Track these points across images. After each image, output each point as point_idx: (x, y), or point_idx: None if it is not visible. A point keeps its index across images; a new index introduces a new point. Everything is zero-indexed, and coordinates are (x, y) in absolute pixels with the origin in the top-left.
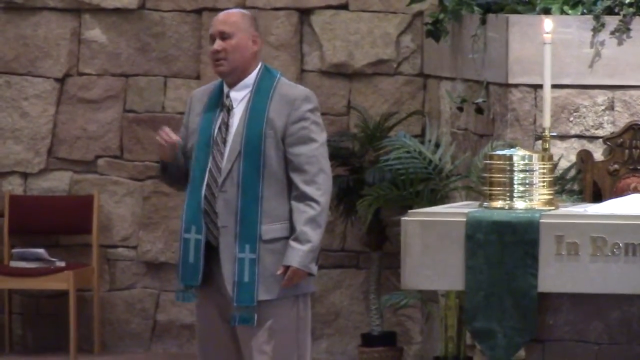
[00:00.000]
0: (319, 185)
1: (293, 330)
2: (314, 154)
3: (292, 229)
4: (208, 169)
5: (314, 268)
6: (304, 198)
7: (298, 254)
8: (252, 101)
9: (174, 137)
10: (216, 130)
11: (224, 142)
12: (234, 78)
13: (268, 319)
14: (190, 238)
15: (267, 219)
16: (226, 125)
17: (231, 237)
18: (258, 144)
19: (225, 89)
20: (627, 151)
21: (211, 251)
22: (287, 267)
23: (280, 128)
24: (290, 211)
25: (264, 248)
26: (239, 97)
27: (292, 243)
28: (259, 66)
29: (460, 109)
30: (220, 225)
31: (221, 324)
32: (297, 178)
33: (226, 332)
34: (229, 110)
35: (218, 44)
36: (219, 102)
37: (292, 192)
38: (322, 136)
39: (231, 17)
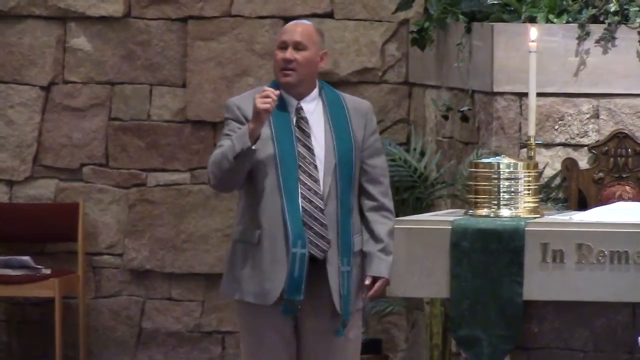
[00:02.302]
0: (390, 197)
1: (358, 341)
2: (385, 165)
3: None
4: (300, 181)
5: None
6: (382, 209)
7: (387, 265)
8: (330, 114)
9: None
10: (295, 142)
11: (311, 154)
12: (300, 90)
13: (349, 330)
14: (297, 252)
15: (354, 230)
16: (309, 136)
17: (335, 250)
18: (350, 157)
19: (293, 100)
20: (612, 159)
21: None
22: (375, 278)
23: (360, 140)
24: (361, 222)
25: (353, 260)
26: (310, 108)
27: (380, 254)
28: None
29: (446, 117)
30: (329, 238)
31: (280, 337)
32: (374, 189)
33: (288, 346)
34: (307, 122)
35: (290, 53)
36: (285, 113)
37: (367, 203)
38: None
39: (307, 29)
